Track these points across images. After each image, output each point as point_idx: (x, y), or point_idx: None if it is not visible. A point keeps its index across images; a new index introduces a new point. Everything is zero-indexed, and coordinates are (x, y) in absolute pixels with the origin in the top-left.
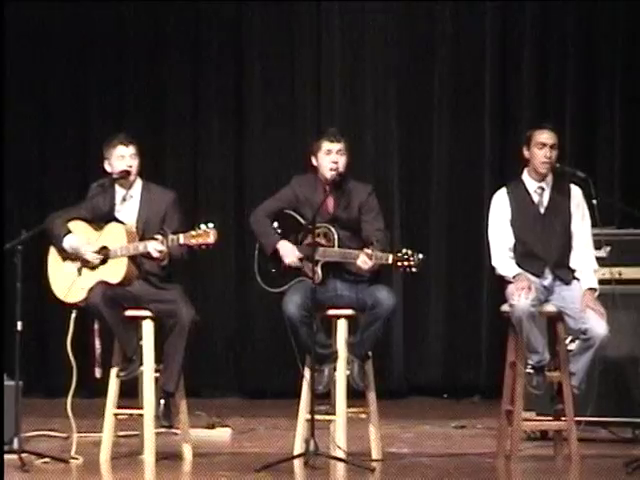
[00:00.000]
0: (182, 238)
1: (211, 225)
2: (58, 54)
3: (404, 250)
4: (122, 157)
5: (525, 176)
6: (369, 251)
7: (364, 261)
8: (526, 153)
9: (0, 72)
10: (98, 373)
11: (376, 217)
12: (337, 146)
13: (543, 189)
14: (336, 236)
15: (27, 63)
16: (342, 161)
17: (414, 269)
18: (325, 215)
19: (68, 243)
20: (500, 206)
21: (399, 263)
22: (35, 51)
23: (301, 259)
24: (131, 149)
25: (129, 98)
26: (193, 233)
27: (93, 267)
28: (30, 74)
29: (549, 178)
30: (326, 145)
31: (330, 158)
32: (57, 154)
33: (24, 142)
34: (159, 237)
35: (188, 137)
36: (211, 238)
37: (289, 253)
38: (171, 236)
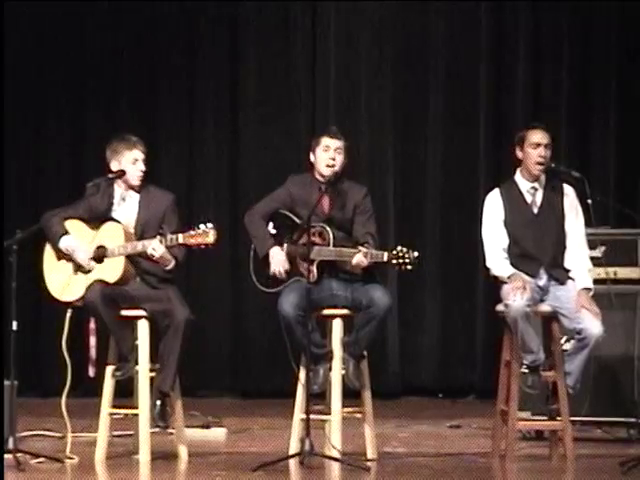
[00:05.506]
0: (181, 238)
1: (210, 225)
2: (53, 54)
3: (399, 247)
4: (136, 160)
5: (518, 176)
6: (364, 249)
7: (361, 259)
8: (519, 153)
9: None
10: (92, 372)
11: (369, 220)
12: (336, 143)
13: (536, 189)
14: (331, 235)
15: (23, 64)
16: (339, 159)
17: (409, 267)
18: (320, 215)
19: (64, 244)
20: (493, 207)
21: (394, 261)
22: (30, 51)
23: (287, 272)
24: (144, 155)
25: (124, 97)
26: (192, 233)
27: (87, 271)
28: (26, 74)
29: (542, 178)
30: (325, 141)
31: (328, 155)
32: (52, 153)
33: (19, 141)
34: (158, 237)
35: (183, 136)
36: (210, 238)
37: (277, 263)
38: (170, 236)
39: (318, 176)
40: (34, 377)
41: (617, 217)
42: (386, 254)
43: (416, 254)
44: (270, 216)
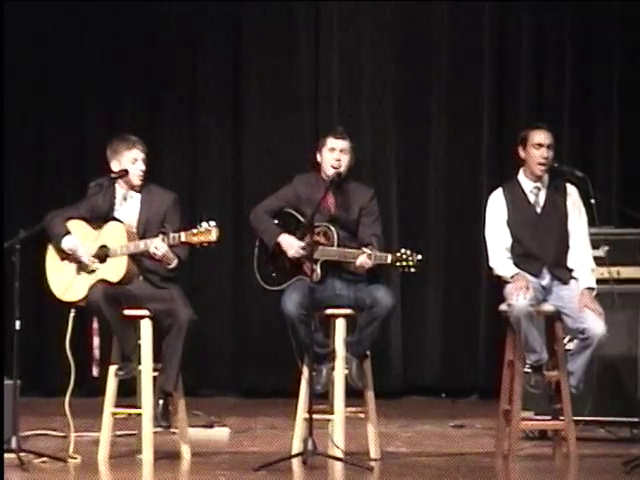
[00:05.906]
0: (184, 236)
1: (213, 223)
2: (53, 54)
3: (403, 250)
4: (135, 160)
5: (521, 176)
6: (368, 251)
7: (365, 261)
8: (522, 153)
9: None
10: (95, 372)
11: (375, 222)
12: (341, 144)
13: (539, 189)
14: (335, 236)
15: (23, 64)
16: (345, 160)
17: (412, 269)
18: (326, 215)
19: (67, 244)
20: (496, 207)
21: (398, 263)
22: (30, 51)
23: (304, 248)
24: (144, 154)
25: (126, 96)
26: (195, 231)
27: (90, 271)
28: (26, 74)
29: (545, 178)
30: (331, 142)
31: (333, 155)
32: (52, 153)
33: (19, 141)
34: (160, 235)
35: (185, 135)
36: (213, 236)
37: (291, 246)
38: (172, 234)
39: (324, 176)
40: (37, 376)
41: (620, 217)
42: (390, 256)
43: (420, 257)
44: (275, 214)
